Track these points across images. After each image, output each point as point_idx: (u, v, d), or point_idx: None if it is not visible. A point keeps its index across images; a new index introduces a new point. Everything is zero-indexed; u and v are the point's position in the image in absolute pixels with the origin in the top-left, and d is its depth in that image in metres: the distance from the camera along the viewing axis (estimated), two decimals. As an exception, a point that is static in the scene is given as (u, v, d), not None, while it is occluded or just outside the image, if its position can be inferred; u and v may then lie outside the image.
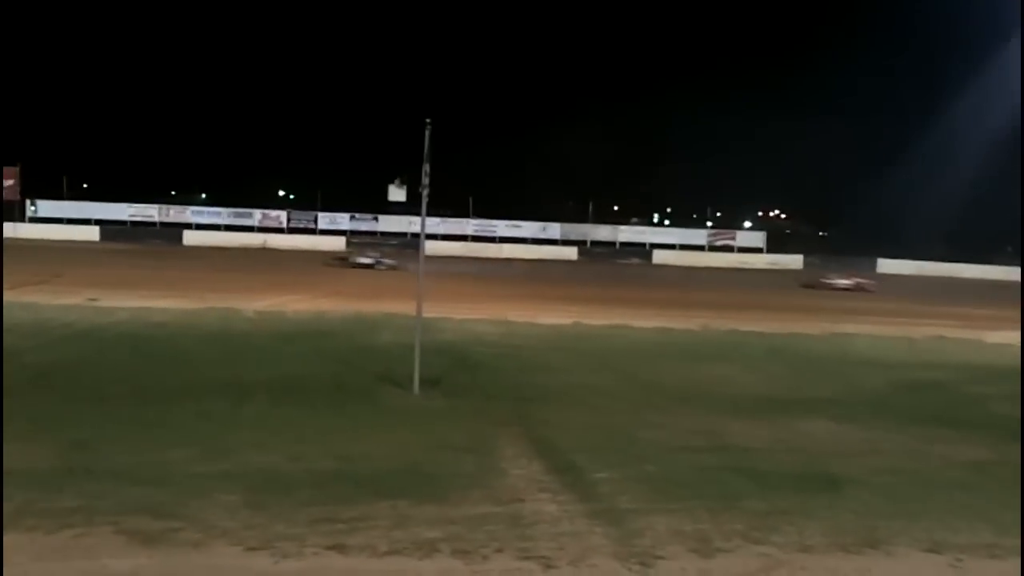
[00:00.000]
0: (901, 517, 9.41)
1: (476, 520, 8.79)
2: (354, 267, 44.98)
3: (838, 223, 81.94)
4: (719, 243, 69.67)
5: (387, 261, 46.67)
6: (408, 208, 62.52)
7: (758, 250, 68.83)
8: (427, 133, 14.81)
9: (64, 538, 7.94)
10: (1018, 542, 8.63)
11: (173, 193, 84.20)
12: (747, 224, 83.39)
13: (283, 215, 68.51)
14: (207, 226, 65.95)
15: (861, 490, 10.38)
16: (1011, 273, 53.45)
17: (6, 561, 7.30)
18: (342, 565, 7.70)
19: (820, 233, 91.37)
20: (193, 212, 68.35)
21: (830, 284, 46.23)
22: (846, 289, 45.38)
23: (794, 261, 66.11)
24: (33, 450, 10.42)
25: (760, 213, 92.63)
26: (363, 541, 8.14)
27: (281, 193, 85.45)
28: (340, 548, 7.98)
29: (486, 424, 12.85)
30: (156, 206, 68.14)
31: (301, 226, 67.53)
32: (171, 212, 68.04)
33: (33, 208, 64.78)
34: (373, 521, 8.61)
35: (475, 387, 15.60)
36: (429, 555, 7.95)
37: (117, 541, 7.91)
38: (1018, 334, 22.61)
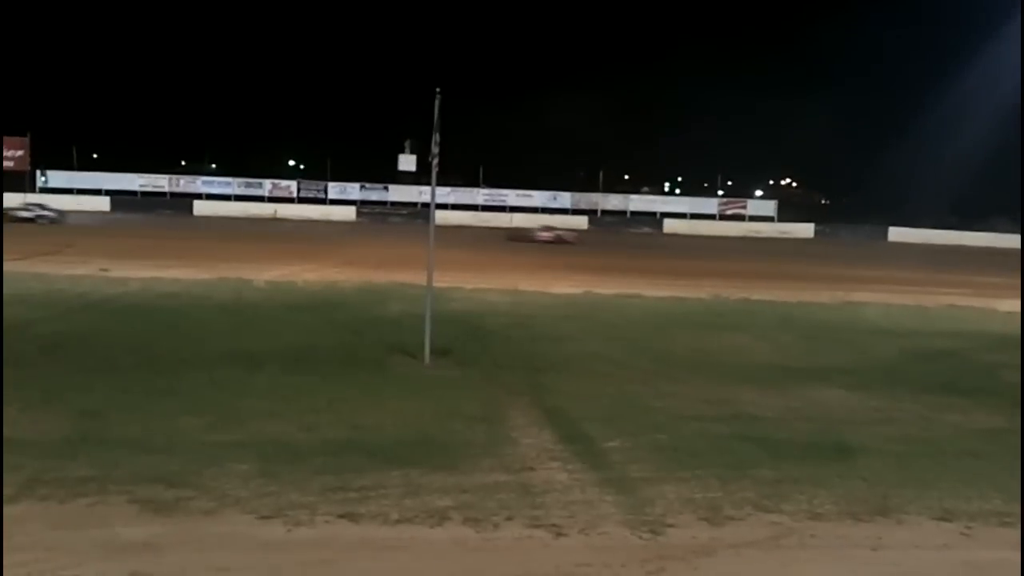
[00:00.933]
0: (912, 485, 9.38)
1: (487, 489, 8.81)
2: (15, 221, 44.41)
3: (850, 193, 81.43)
4: (730, 212, 69.42)
5: (48, 214, 47.76)
6: (418, 177, 63.10)
7: (769, 219, 68.61)
8: (437, 103, 14.71)
9: (78, 507, 7.98)
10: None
11: (183, 163, 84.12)
12: (758, 193, 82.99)
13: (293, 185, 68.46)
14: (217, 196, 65.98)
15: (873, 458, 10.34)
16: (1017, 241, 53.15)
17: (21, 530, 7.35)
18: (354, 533, 7.73)
19: (823, 201, 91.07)
20: (203, 182, 68.38)
21: (533, 237, 47.64)
22: (548, 241, 47.01)
23: (805, 230, 65.92)
24: (46, 419, 10.49)
25: (771, 182, 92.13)
26: (375, 510, 8.16)
27: (291, 163, 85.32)
28: (352, 516, 8.00)
29: (497, 393, 12.84)
30: (166, 176, 68.21)
31: (311, 196, 67.48)
32: (181, 182, 68.10)
33: (43, 178, 64.94)
34: (384, 490, 8.62)
35: (486, 356, 15.56)
36: (440, 523, 7.97)
37: (130, 510, 7.95)
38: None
